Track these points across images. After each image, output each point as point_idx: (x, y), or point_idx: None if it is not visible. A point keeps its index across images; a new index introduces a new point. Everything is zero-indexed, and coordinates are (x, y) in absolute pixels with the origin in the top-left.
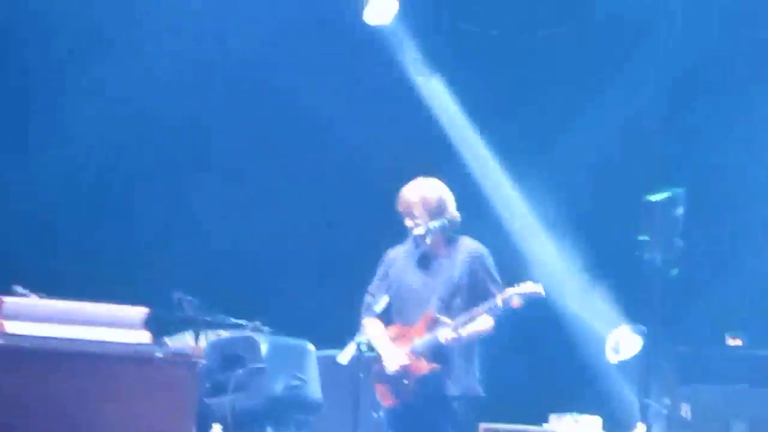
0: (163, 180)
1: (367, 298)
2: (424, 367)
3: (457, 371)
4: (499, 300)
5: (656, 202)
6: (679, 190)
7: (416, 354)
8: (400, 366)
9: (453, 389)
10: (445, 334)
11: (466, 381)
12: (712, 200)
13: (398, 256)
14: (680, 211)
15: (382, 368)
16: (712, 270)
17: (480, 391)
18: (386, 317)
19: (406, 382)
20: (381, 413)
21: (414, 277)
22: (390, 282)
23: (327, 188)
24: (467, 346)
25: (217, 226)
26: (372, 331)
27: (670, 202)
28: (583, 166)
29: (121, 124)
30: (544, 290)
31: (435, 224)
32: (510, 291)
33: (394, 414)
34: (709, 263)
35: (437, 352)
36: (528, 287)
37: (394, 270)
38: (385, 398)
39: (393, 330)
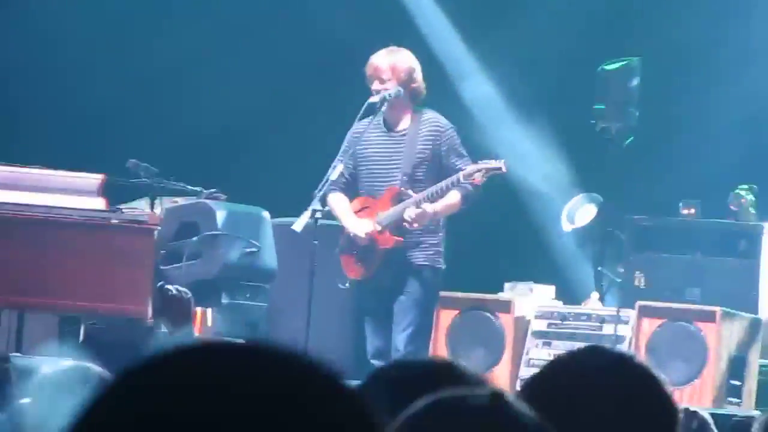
0: (122, 44)
1: (330, 173)
2: (389, 239)
3: (420, 242)
4: (461, 175)
5: (612, 71)
6: (635, 59)
7: (381, 226)
8: (367, 234)
9: (417, 259)
10: (409, 212)
11: (429, 252)
12: (668, 70)
13: (361, 130)
14: (636, 80)
15: (347, 240)
16: (667, 139)
17: (442, 263)
18: (352, 192)
19: (371, 253)
20: (347, 284)
21: (378, 150)
22: (355, 156)
23: (287, 62)
24: (435, 221)
25: (175, 95)
26: (336, 204)
27: (626, 71)
28: (540, 35)
29: None
30: (506, 167)
31: (391, 92)
32: (472, 167)
33: (362, 285)
34: (663, 133)
35: (401, 226)
36: (490, 164)
37: (358, 143)
38: (351, 270)
39: (358, 202)
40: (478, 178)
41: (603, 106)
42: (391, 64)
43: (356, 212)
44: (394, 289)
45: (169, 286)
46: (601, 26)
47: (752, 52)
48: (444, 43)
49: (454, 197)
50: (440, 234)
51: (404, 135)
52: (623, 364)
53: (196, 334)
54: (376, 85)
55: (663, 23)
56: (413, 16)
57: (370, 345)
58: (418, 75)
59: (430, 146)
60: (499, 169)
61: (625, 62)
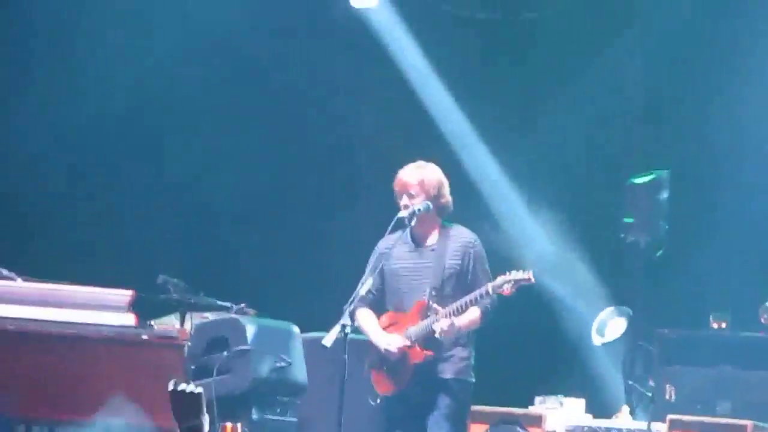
0: (143, 161)
1: (359, 289)
2: (419, 354)
3: (450, 356)
4: (489, 287)
5: (641, 185)
6: (664, 173)
7: (411, 341)
8: (398, 349)
9: (447, 372)
10: (440, 325)
11: (459, 365)
12: (696, 182)
13: (390, 245)
14: (665, 193)
15: (377, 356)
16: (697, 252)
17: (472, 376)
18: (380, 307)
19: (402, 368)
20: (378, 400)
21: (406, 265)
22: (383, 271)
23: (318, 175)
24: (462, 335)
25: (202, 210)
26: (364, 320)
27: (655, 185)
28: (567, 148)
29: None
30: (534, 277)
31: (420, 206)
32: (501, 279)
33: (392, 400)
34: (693, 245)
35: (431, 340)
36: (518, 275)
37: (386, 258)
38: (381, 385)
39: (387, 318)
40: (507, 289)
41: (632, 220)
42: (420, 179)
43: (385, 327)
44: (424, 403)
45: (182, 385)
46: (630, 135)
47: None
48: (473, 157)
49: (474, 313)
50: (470, 348)
51: (433, 250)
52: None
53: None
54: (404, 200)
55: (691, 132)
56: (438, 123)
57: None
58: (446, 189)
59: (459, 261)
60: (528, 279)
61: (653, 176)
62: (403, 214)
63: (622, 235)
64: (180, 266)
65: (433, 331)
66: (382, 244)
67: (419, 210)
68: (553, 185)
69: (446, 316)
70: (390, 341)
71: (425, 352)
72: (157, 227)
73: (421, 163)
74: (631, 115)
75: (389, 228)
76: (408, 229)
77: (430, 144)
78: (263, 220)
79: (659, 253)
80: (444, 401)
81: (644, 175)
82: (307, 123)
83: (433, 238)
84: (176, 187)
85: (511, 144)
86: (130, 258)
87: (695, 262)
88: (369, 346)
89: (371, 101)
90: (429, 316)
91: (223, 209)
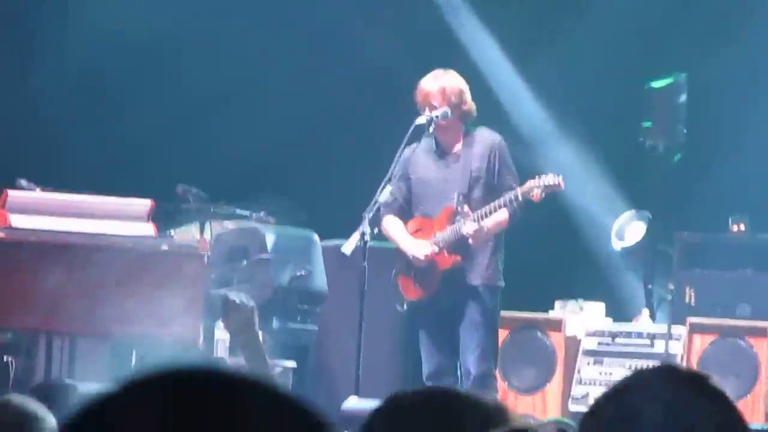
0: (168, 69)
1: (385, 197)
2: (447, 259)
3: (479, 262)
4: (519, 192)
5: (659, 89)
6: (682, 76)
7: (438, 247)
8: (426, 256)
9: (475, 279)
10: (468, 227)
11: (488, 272)
12: (715, 85)
13: (415, 152)
14: (683, 97)
15: (404, 262)
16: (715, 156)
17: (501, 282)
18: (406, 215)
19: (430, 274)
20: (405, 306)
21: (432, 172)
22: (409, 179)
23: (334, 82)
24: (492, 237)
25: (223, 119)
26: (391, 227)
27: (673, 88)
28: (586, 54)
29: (121, 17)
30: (563, 183)
31: (438, 112)
32: (531, 183)
33: (419, 306)
34: (712, 149)
35: (459, 245)
36: (549, 179)
37: (412, 167)
38: (409, 291)
39: (414, 224)
40: (537, 194)
41: (650, 124)
42: (441, 87)
43: (413, 234)
44: (453, 311)
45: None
46: (647, 42)
47: None
48: (492, 66)
49: (502, 215)
50: (499, 253)
51: (458, 155)
52: (701, 386)
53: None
54: (427, 112)
55: (710, 38)
56: (461, 39)
57: (427, 366)
58: (468, 96)
59: (485, 163)
60: (558, 185)
61: (671, 79)
62: (420, 120)
63: (641, 140)
64: (199, 176)
65: (461, 235)
66: (407, 152)
67: (437, 117)
68: (571, 93)
69: (474, 220)
70: (417, 247)
71: (453, 257)
72: (178, 136)
73: (439, 71)
74: (651, 17)
75: (407, 136)
76: (432, 137)
77: (451, 56)
78: (283, 131)
79: (677, 157)
80: (474, 308)
81: (662, 79)
82: (330, 40)
83: (458, 145)
84: (196, 99)
85: (531, 52)
86: (149, 168)
87: (714, 165)
88: (396, 252)
89: (387, 17)
90: (457, 221)
91: (243, 118)
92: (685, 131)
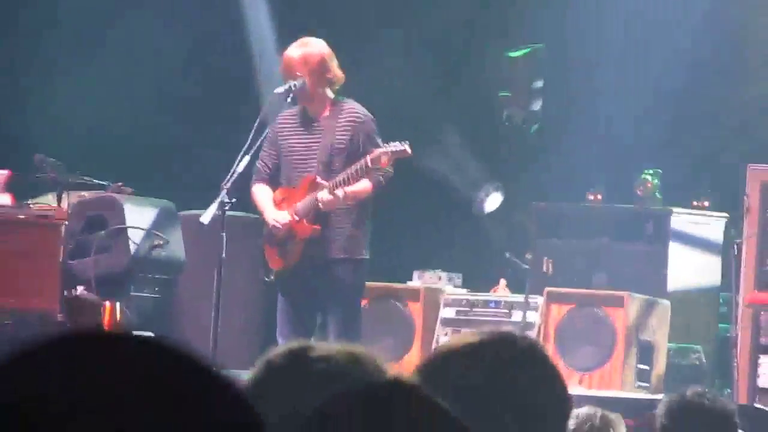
0: (18, 42)
1: (257, 164)
2: (306, 228)
3: (342, 233)
4: (368, 159)
5: (517, 58)
6: (540, 47)
7: (298, 216)
8: (284, 225)
9: (336, 252)
10: (320, 195)
11: (351, 243)
12: (572, 59)
13: (283, 120)
14: (541, 68)
15: (269, 231)
16: (572, 127)
17: (365, 254)
18: (276, 183)
19: (291, 244)
20: (272, 276)
21: (297, 140)
22: (277, 146)
23: (188, 50)
24: (356, 209)
25: (77, 89)
26: (258, 195)
27: (531, 58)
28: (443, 23)
29: None
30: (410, 149)
31: (296, 82)
32: (378, 151)
33: (283, 277)
34: (568, 119)
35: (320, 215)
36: (394, 146)
37: (280, 134)
38: (273, 261)
39: (279, 193)
40: (385, 160)
41: (509, 93)
42: (303, 56)
43: (278, 203)
44: (316, 281)
45: (80, 294)
46: (505, 13)
47: (655, 35)
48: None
49: (364, 184)
50: (364, 225)
51: (323, 124)
52: (531, 355)
53: (105, 328)
54: (291, 77)
55: (564, 10)
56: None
57: (282, 339)
58: (333, 63)
59: (348, 136)
60: (404, 151)
61: (529, 49)
62: (279, 90)
63: (499, 110)
64: (56, 146)
65: (317, 205)
66: (279, 118)
67: (294, 86)
68: (429, 57)
69: (331, 189)
70: (277, 216)
71: (312, 226)
72: (35, 106)
73: (303, 40)
74: None
75: (267, 104)
76: (298, 105)
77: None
78: (143, 104)
79: (535, 127)
80: (334, 281)
81: (520, 49)
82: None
83: (325, 114)
84: (53, 70)
85: (394, 19)
86: (6, 137)
87: (571, 136)
88: (263, 222)
89: None
90: (316, 190)
91: (99, 88)
92: (542, 102)
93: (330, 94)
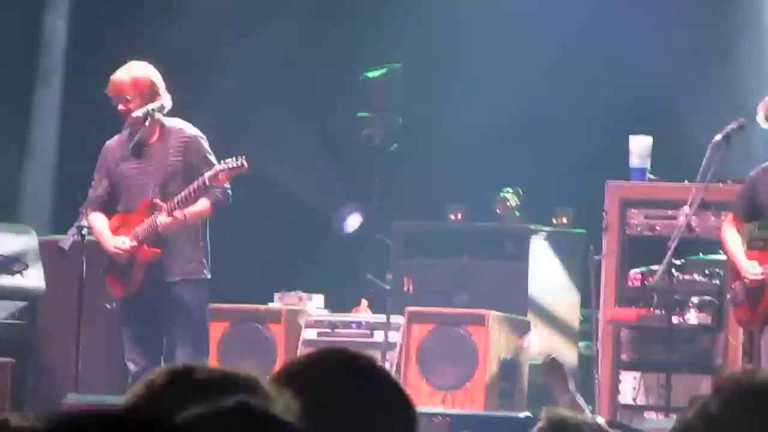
0: None
1: (90, 193)
2: (147, 252)
3: (180, 255)
4: (206, 177)
5: (374, 78)
6: (397, 66)
7: (138, 241)
8: (124, 250)
9: (176, 274)
10: (160, 218)
11: (190, 265)
12: (428, 76)
13: (114, 147)
14: (398, 87)
15: (108, 258)
16: (431, 145)
17: (206, 274)
18: (112, 210)
19: (131, 270)
20: (114, 304)
21: (130, 165)
22: (110, 173)
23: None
24: (192, 229)
25: None
26: (95, 223)
27: (388, 78)
28: (299, 41)
29: None
30: (247, 163)
31: (153, 106)
32: (215, 169)
33: (125, 304)
34: (427, 138)
35: (159, 238)
36: (231, 162)
37: (111, 161)
38: (115, 288)
39: (115, 220)
40: (222, 177)
41: (366, 114)
42: (133, 79)
43: (116, 229)
44: (158, 306)
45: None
46: (360, 33)
47: (510, 52)
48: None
49: (203, 204)
50: (201, 244)
51: (154, 148)
52: (355, 363)
53: None
54: (121, 105)
55: (420, 30)
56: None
57: (133, 365)
58: (161, 87)
59: (180, 158)
60: (242, 166)
61: (386, 69)
62: (138, 113)
63: (358, 130)
64: None
65: (157, 226)
66: (108, 145)
67: (153, 110)
68: (286, 79)
69: (169, 211)
70: (116, 242)
71: (152, 250)
72: None
73: (132, 63)
74: (359, 9)
75: (124, 130)
76: (128, 130)
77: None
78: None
79: (394, 146)
80: (178, 304)
81: (377, 69)
82: None
83: (153, 137)
84: None
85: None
86: None
87: (430, 155)
88: (101, 249)
89: None
90: (154, 212)
91: None
92: (400, 120)
93: (158, 116)
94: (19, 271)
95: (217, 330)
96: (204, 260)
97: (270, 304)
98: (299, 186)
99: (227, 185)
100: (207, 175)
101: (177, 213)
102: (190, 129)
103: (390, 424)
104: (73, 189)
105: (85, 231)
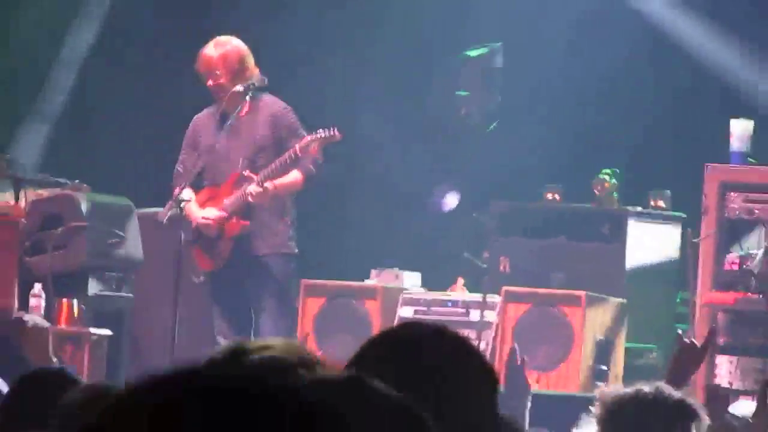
0: None
1: (177, 167)
2: (235, 225)
3: (267, 229)
4: (297, 148)
5: (474, 57)
6: (497, 45)
7: (227, 213)
8: (213, 222)
9: (263, 248)
10: (249, 188)
11: (277, 239)
12: (525, 54)
13: (203, 121)
14: (498, 65)
15: (196, 231)
16: (528, 125)
17: (293, 248)
18: (199, 184)
19: (219, 243)
20: (202, 278)
21: (220, 140)
22: (199, 148)
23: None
24: (279, 204)
25: (35, 86)
26: (183, 196)
27: (489, 57)
28: (399, 27)
29: None
30: (339, 133)
31: (252, 81)
32: (306, 140)
33: (213, 277)
34: (524, 119)
35: (247, 210)
36: (323, 132)
37: (201, 135)
38: (202, 262)
39: (203, 193)
40: (314, 147)
41: (466, 93)
42: (222, 54)
43: (203, 203)
44: (246, 280)
45: (26, 317)
46: (458, 11)
47: (611, 32)
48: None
49: (295, 175)
50: (289, 218)
51: (243, 122)
52: (438, 335)
53: (63, 325)
54: (210, 81)
55: (516, 9)
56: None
57: (221, 338)
58: (251, 62)
59: (269, 132)
60: (333, 136)
61: (487, 48)
62: (238, 89)
63: (456, 109)
64: (14, 141)
65: (248, 200)
66: (197, 120)
67: (254, 84)
68: (388, 65)
69: (259, 182)
70: (205, 214)
71: (241, 223)
72: None
73: (221, 39)
74: None
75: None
76: (218, 104)
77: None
78: (107, 101)
79: (493, 126)
80: (265, 278)
81: (477, 48)
82: None
83: (243, 111)
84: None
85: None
86: None
87: (527, 135)
88: (187, 222)
89: None
90: (243, 186)
91: (77, 84)
92: (500, 99)
93: (247, 91)
94: (117, 243)
95: (313, 306)
96: (291, 234)
97: (366, 281)
98: (399, 163)
99: (318, 157)
100: (299, 145)
101: (268, 184)
102: (279, 103)
103: (472, 390)
104: (171, 163)
105: (183, 204)
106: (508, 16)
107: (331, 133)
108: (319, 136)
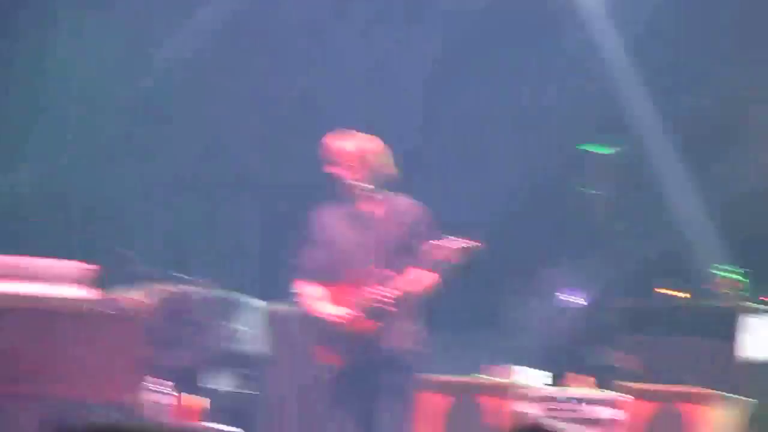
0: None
1: (299, 261)
2: (365, 324)
3: (400, 328)
4: (434, 253)
5: (598, 155)
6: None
7: (358, 311)
8: (344, 321)
9: (398, 344)
10: (388, 293)
11: (408, 337)
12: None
13: (330, 215)
14: (618, 165)
15: (321, 329)
16: (644, 221)
17: (423, 348)
18: (324, 279)
19: (349, 340)
20: (327, 375)
21: (349, 237)
22: (325, 242)
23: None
24: (412, 302)
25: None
26: (309, 293)
27: (611, 157)
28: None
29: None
30: (481, 242)
31: (368, 185)
32: (447, 244)
33: (341, 375)
34: (637, 214)
35: (377, 311)
36: (465, 242)
37: (328, 231)
38: (329, 358)
39: (330, 290)
40: (454, 255)
41: (594, 190)
42: (360, 149)
43: (330, 300)
44: (374, 380)
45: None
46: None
47: None
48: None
49: (427, 279)
50: (419, 317)
51: (376, 221)
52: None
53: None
54: (341, 170)
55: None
56: None
57: None
58: (388, 159)
59: (404, 231)
60: (475, 246)
61: (612, 150)
62: (370, 187)
63: (581, 201)
64: (142, 240)
65: (382, 301)
66: (322, 213)
67: (368, 189)
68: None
69: (395, 286)
70: (337, 312)
71: (372, 322)
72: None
73: (360, 135)
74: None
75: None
76: (349, 201)
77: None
78: (230, 200)
79: (621, 225)
80: (394, 378)
81: (602, 146)
82: None
83: (375, 208)
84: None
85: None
86: (91, 231)
87: (643, 232)
88: (309, 320)
89: None
90: (376, 285)
91: (179, 182)
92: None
93: (381, 190)
94: (235, 338)
95: (439, 403)
96: (422, 334)
97: (495, 378)
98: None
99: (455, 262)
100: (437, 250)
101: (401, 287)
102: (413, 204)
103: None
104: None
105: (312, 301)
106: None
107: (474, 243)
108: (461, 244)
